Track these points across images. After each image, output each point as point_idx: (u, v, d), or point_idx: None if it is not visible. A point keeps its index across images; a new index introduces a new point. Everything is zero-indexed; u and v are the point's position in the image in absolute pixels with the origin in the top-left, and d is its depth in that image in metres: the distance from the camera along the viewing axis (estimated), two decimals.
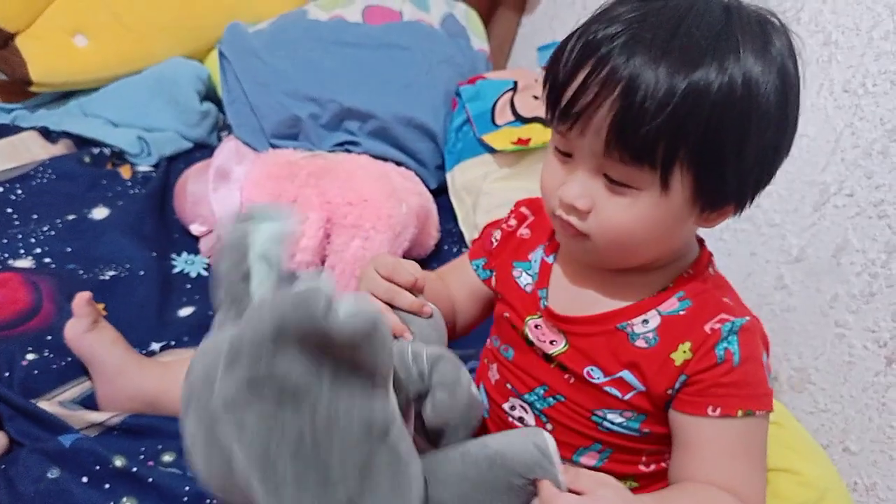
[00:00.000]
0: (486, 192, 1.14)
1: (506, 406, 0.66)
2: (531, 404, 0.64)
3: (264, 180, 0.98)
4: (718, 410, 0.55)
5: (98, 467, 0.67)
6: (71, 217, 0.99)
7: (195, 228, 0.99)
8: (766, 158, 0.54)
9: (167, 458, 0.72)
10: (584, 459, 0.62)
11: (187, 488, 0.68)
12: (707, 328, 0.56)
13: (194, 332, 0.88)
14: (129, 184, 1.10)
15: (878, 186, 0.84)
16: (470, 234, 1.17)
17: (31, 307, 0.85)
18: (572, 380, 0.61)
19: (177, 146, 1.17)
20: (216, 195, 0.96)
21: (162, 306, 0.91)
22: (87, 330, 0.75)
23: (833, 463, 0.86)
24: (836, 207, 0.90)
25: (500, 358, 0.67)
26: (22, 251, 0.92)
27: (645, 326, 0.58)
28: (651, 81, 0.49)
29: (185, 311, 0.92)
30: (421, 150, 1.19)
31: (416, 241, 1.03)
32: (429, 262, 1.10)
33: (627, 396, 0.58)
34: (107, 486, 0.67)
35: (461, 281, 0.73)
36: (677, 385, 0.56)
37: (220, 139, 1.25)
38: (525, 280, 0.66)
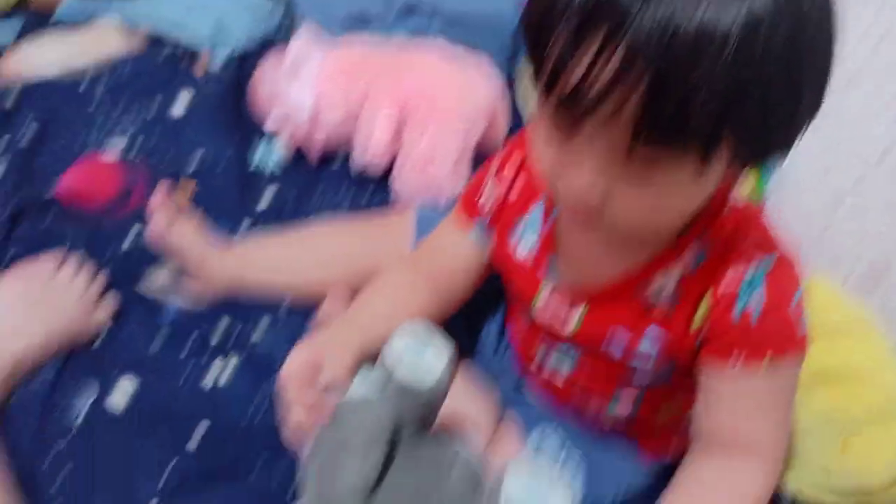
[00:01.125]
0: None
1: (538, 357, 0.65)
2: (564, 354, 0.63)
3: (337, 75, 0.98)
4: (739, 365, 0.52)
5: (196, 342, 0.74)
6: (151, 112, 1.02)
7: (271, 122, 1.01)
8: (820, 90, 0.43)
9: (255, 332, 0.78)
10: (623, 394, 0.62)
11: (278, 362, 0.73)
12: (720, 292, 0.51)
13: (274, 220, 0.92)
14: (204, 80, 1.12)
15: None
16: None
17: (123, 195, 0.90)
18: (591, 352, 0.59)
19: (249, 41, 1.18)
20: (290, 90, 0.98)
21: (242, 196, 0.95)
22: (170, 223, 0.80)
23: None
24: None
25: (522, 317, 0.65)
26: (112, 140, 0.97)
27: (661, 291, 0.54)
28: (693, 43, 0.36)
29: (263, 205, 0.96)
30: (491, 43, 1.16)
31: (486, 135, 1.03)
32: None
33: (649, 365, 0.57)
34: (204, 358, 0.73)
35: (451, 257, 0.67)
36: (697, 343, 0.54)
37: (292, 34, 1.25)
38: (523, 250, 0.60)
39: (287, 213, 0.94)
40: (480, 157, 1.04)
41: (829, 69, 0.42)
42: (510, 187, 0.61)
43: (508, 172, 0.61)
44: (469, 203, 0.65)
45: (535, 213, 0.59)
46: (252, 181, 0.98)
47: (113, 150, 0.96)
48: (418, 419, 0.54)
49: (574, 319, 0.58)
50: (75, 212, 0.86)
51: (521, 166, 0.61)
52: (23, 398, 0.67)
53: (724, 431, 0.55)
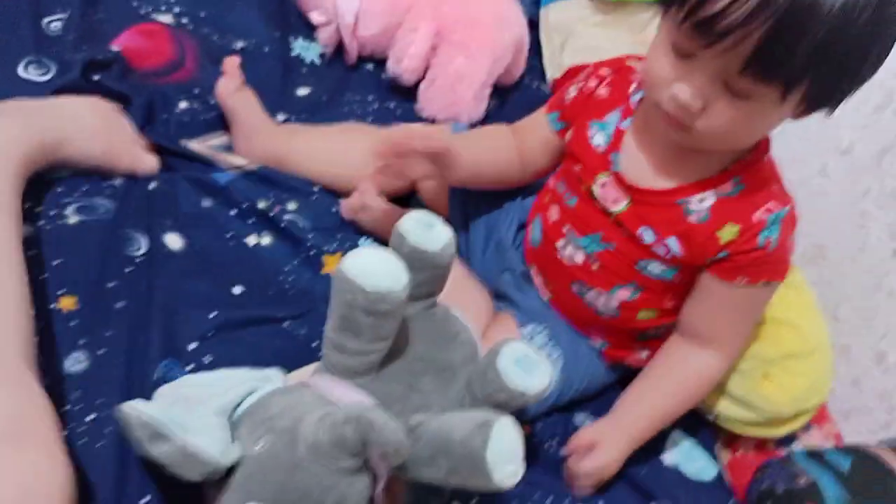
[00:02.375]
0: (578, 34, 1.21)
1: (558, 244, 0.78)
2: (584, 247, 0.76)
3: None
4: (745, 280, 0.68)
5: (245, 205, 0.83)
6: None
7: (314, 17, 1.07)
8: (880, 60, 0.56)
9: (291, 206, 0.86)
10: (619, 293, 0.76)
11: (310, 235, 0.84)
12: (755, 218, 0.65)
13: (310, 110, 1.01)
14: None
15: None
16: (552, 74, 1.25)
17: (177, 59, 0.96)
18: (625, 234, 0.72)
19: None
20: None
21: (283, 83, 1.02)
22: (235, 90, 0.88)
23: None
24: (894, 113, 0.99)
25: (562, 202, 0.78)
26: (163, 8, 1.01)
27: (700, 204, 0.67)
28: (810, 5, 0.49)
29: (303, 91, 1.03)
30: None
31: (507, 69, 1.13)
32: (511, 91, 1.20)
33: (669, 255, 0.70)
34: (250, 221, 0.83)
35: (535, 133, 0.82)
36: (718, 257, 0.68)
37: None
38: (598, 140, 0.73)
39: (321, 106, 1.03)
40: (497, 89, 1.14)
41: (892, 45, 0.56)
42: (592, 93, 0.75)
43: (592, 82, 0.76)
44: (558, 98, 0.80)
45: (609, 119, 0.73)
46: (293, 67, 1.05)
47: (164, 17, 1.01)
48: (426, 285, 0.65)
49: (622, 204, 0.71)
50: (137, 68, 0.92)
51: (605, 81, 0.75)
52: (87, 223, 0.74)
53: (701, 324, 0.72)
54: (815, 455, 0.85)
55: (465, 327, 0.70)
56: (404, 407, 0.61)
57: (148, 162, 0.83)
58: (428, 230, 0.64)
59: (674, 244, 0.69)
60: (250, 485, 0.54)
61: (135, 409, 0.52)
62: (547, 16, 1.28)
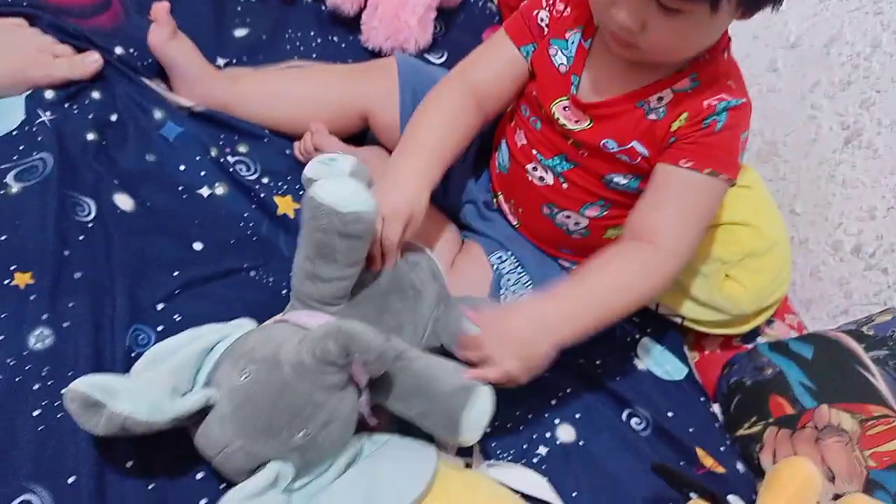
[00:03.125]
0: None
1: (528, 167, 0.78)
2: (552, 168, 0.76)
3: None
4: (690, 164, 0.67)
5: (197, 157, 0.81)
6: None
7: None
8: None
9: (241, 148, 0.85)
10: (588, 212, 0.77)
11: (265, 180, 0.82)
12: (705, 103, 0.66)
13: (250, 52, 0.97)
14: None
15: None
16: None
17: (101, 2, 0.90)
18: (586, 153, 0.73)
19: None
20: None
21: (218, 25, 0.97)
22: (169, 38, 0.83)
23: None
24: (839, 0, 0.99)
25: (528, 126, 0.78)
26: None
27: (659, 102, 0.68)
28: None
29: (240, 32, 0.99)
30: None
31: None
32: (456, 13, 1.16)
33: (636, 161, 0.70)
34: (202, 173, 0.81)
35: (498, 66, 0.77)
36: (668, 143, 0.68)
37: None
38: (560, 60, 0.73)
39: (261, 46, 0.98)
40: (441, 12, 1.10)
41: None
42: (560, 15, 0.74)
43: (559, 5, 0.74)
44: (521, 24, 0.76)
45: (571, 38, 0.73)
46: (227, 6, 1.00)
47: None
48: None
49: (584, 123, 0.72)
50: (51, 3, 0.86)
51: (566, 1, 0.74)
52: (30, 189, 0.71)
53: (641, 222, 0.70)
54: (778, 346, 0.89)
55: (426, 254, 0.73)
56: (379, 328, 0.62)
57: (58, 66, 0.79)
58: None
59: (639, 146, 0.70)
60: (241, 412, 0.55)
61: (69, 388, 0.52)
62: None
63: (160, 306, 0.69)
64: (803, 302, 1.04)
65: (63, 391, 0.53)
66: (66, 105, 0.79)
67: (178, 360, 0.59)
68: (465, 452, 0.69)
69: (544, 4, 0.75)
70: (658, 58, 0.65)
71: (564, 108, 0.73)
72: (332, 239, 0.59)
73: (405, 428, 0.66)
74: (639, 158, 0.71)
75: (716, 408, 0.91)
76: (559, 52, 0.73)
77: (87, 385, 0.51)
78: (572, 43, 0.73)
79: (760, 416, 0.85)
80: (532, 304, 0.68)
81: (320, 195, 0.59)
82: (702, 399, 0.90)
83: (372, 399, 0.62)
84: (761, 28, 1.10)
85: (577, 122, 0.72)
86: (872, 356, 0.82)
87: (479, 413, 0.61)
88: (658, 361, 0.90)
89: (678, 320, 0.93)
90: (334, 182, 0.60)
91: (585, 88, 0.72)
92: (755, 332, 0.97)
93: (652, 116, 0.69)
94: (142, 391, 0.53)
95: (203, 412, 0.56)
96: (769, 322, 0.98)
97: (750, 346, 0.95)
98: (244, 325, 0.65)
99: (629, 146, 0.70)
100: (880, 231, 0.94)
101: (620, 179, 0.73)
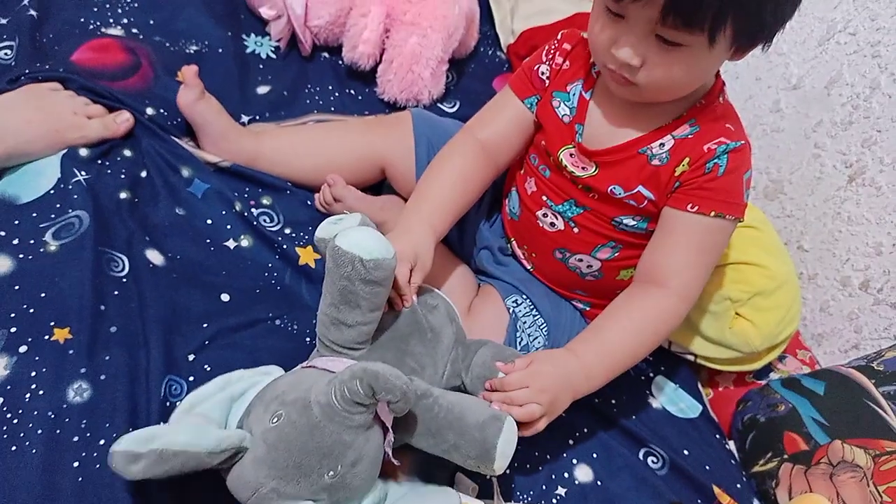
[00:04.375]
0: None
1: (538, 213, 0.82)
2: (562, 213, 0.80)
3: None
4: (696, 208, 0.70)
5: (223, 212, 0.84)
6: None
7: (264, 12, 1.07)
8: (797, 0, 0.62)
9: (265, 200, 0.89)
10: (600, 254, 0.80)
11: (287, 231, 0.86)
12: (705, 147, 0.69)
13: (272, 108, 1.01)
14: None
15: (878, 28, 0.96)
16: (505, 39, 1.26)
17: (132, 64, 0.95)
18: (596, 196, 0.76)
19: None
20: None
21: (242, 83, 1.02)
22: (197, 98, 0.88)
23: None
24: (838, 44, 1.02)
25: (537, 174, 0.81)
26: (111, 20, 1.00)
27: (661, 149, 0.71)
28: None
29: (263, 89, 1.04)
30: None
31: (462, 41, 1.14)
32: (467, 62, 1.21)
33: (643, 205, 0.74)
34: (228, 226, 0.84)
35: (505, 120, 0.81)
36: (673, 188, 0.71)
37: None
38: (563, 111, 0.77)
39: (283, 101, 1.03)
40: (453, 62, 1.15)
41: None
42: (559, 68, 0.78)
43: (558, 58, 0.79)
44: (524, 79, 0.81)
45: (572, 90, 0.77)
46: (250, 64, 1.05)
47: (114, 30, 1.00)
48: None
49: (591, 170, 0.75)
50: (86, 68, 0.91)
51: (566, 55, 0.78)
52: (68, 247, 0.74)
53: (655, 263, 0.73)
54: (791, 382, 0.91)
55: (442, 298, 0.76)
56: (401, 370, 0.65)
57: (91, 126, 0.83)
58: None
59: (644, 191, 0.73)
60: (274, 453, 0.58)
61: (112, 450, 0.54)
62: None
63: (191, 357, 0.72)
64: (815, 337, 1.06)
65: (110, 451, 0.55)
66: (99, 162, 0.84)
67: (208, 406, 0.62)
68: (484, 494, 0.71)
69: (545, 59, 0.80)
70: (656, 95, 0.68)
71: (571, 156, 0.76)
72: (355, 285, 0.63)
73: (426, 475, 0.68)
74: (645, 202, 0.74)
75: (731, 445, 0.92)
76: (562, 104, 0.77)
77: (126, 442, 0.54)
78: (573, 94, 0.77)
79: (775, 453, 0.86)
80: (557, 358, 0.70)
81: (344, 244, 0.62)
82: (717, 436, 0.91)
83: (397, 439, 0.64)
84: (764, 70, 1.14)
85: (583, 168, 0.76)
86: (883, 391, 0.83)
87: (508, 441, 0.63)
88: (672, 399, 0.92)
89: (691, 358, 0.95)
90: (357, 231, 0.64)
91: (590, 137, 0.75)
92: (768, 368, 0.99)
93: (655, 162, 0.72)
94: (178, 429, 0.57)
95: (235, 456, 0.59)
96: (781, 358, 1.00)
97: (763, 381, 0.97)
98: (272, 371, 0.68)
99: (635, 191, 0.73)
100: (887, 266, 0.95)
101: (629, 221, 0.76)
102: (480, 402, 0.66)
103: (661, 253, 0.73)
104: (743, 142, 0.70)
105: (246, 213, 0.85)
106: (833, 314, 1.04)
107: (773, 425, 0.88)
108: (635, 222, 0.76)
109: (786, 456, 0.85)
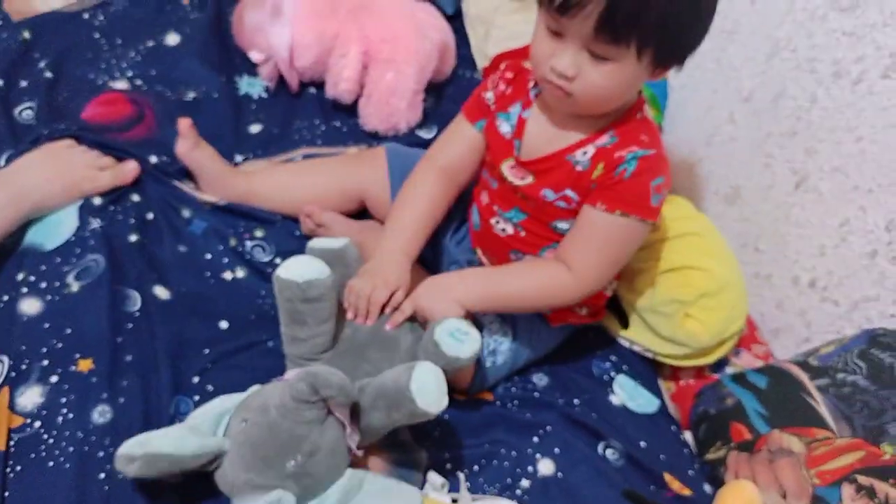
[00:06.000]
0: (499, 25, 1.31)
1: (492, 221, 0.93)
2: (510, 219, 0.90)
3: (310, 17, 1.15)
4: (604, 206, 0.80)
5: (220, 248, 0.96)
6: (150, 43, 1.17)
7: (254, 55, 1.17)
8: (707, 28, 0.74)
9: (258, 233, 1.01)
10: (547, 254, 0.90)
11: (277, 260, 0.97)
12: (616, 154, 0.79)
13: (264, 146, 1.13)
14: (189, 8, 1.26)
15: (814, 46, 1.04)
16: (480, 62, 1.35)
17: (136, 116, 1.07)
18: (533, 203, 0.87)
19: None
20: (272, 29, 1.14)
21: (236, 125, 1.14)
22: (192, 147, 1.00)
23: (747, 260, 1.16)
24: (782, 60, 1.10)
25: (488, 186, 0.92)
26: (118, 74, 1.12)
27: (584, 156, 0.82)
28: None
29: (255, 129, 1.15)
30: None
31: (437, 70, 1.23)
32: (445, 87, 1.30)
33: (572, 206, 0.84)
34: (225, 260, 0.96)
35: (461, 143, 0.92)
36: (589, 190, 0.82)
37: None
38: (505, 129, 0.88)
39: (273, 139, 1.14)
40: (432, 87, 1.24)
41: (715, 8, 0.74)
42: (503, 93, 0.89)
43: (501, 85, 0.89)
44: (473, 105, 0.92)
45: (512, 111, 0.87)
46: (243, 105, 1.17)
47: (119, 83, 1.12)
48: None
49: (528, 179, 0.86)
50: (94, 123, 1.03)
51: (508, 82, 0.89)
52: (88, 287, 0.86)
53: (563, 251, 0.86)
54: (738, 377, 1.00)
55: (415, 326, 0.85)
56: (356, 375, 0.77)
57: (102, 177, 0.95)
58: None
59: (571, 193, 0.84)
60: (243, 450, 0.70)
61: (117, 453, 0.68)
62: (468, 6, 1.38)
63: (196, 379, 0.84)
64: (772, 331, 1.14)
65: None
66: (111, 209, 0.96)
67: (200, 420, 0.75)
68: (453, 489, 0.82)
69: (490, 87, 0.91)
70: (588, 106, 0.77)
71: (511, 168, 0.87)
72: (296, 305, 0.77)
73: (403, 474, 0.79)
74: (573, 204, 0.84)
75: (687, 435, 1.02)
76: (504, 123, 0.88)
77: (126, 446, 0.68)
78: (514, 114, 0.87)
79: (724, 442, 0.95)
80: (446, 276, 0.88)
81: (283, 273, 0.77)
82: (672, 428, 1.01)
83: (365, 433, 0.75)
84: (720, 83, 1.21)
85: (522, 178, 0.87)
86: (816, 384, 0.92)
87: (423, 378, 0.71)
88: (632, 396, 1.01)
89: (650, 355, 1.05)
90: (292, 261, 0.78)
91: (526, 150, 0.86)
92: (724, 363, 1.08)
93: (579, 168, 0.82)
94: (166, 438, 0.69)
95: (217, 459, 0.71)
96: (737, 352, 1.09)
97: (718, 376, 1.06)
98: (254, 390, 0.79)
99: (563, 193, 0.84)
100: (830, 267, 1.04)
101: (564, 225, 0.87)
102: (402, 367, 0.74)
103: (570, 241, 0.85)
104: (654, 151, 0.80)
105: (239, 248, 0.97)
106: (787, 311, 1.12)
107: (722, 417, 0.97)
108: (568, 225, 0.86)
109: (732, 444, 0.94)
